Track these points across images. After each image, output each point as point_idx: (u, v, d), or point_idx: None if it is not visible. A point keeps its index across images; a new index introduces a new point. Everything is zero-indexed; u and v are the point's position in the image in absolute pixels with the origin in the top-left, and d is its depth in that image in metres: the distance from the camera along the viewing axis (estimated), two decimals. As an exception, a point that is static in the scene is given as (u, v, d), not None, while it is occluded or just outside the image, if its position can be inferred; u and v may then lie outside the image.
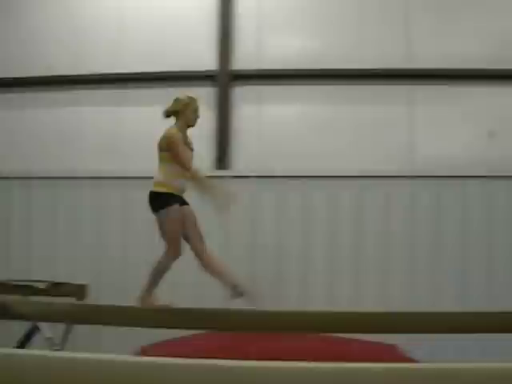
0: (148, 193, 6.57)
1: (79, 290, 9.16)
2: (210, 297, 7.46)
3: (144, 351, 8.24)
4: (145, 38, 10.62)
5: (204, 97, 10.26)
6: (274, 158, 10.06)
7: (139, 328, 7.00)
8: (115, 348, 8.78)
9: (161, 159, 6.64)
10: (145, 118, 10.35)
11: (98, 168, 10.28)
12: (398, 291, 9.51)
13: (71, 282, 9.17)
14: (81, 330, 8.44)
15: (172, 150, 6.54)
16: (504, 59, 10.05)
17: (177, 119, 6.75)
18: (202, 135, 10.14)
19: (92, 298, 9.13)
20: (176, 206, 6.51)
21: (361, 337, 7.76)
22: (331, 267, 9.75)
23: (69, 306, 7.15)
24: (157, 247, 6.46)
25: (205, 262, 6.65)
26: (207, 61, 10.50)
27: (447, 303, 9.18)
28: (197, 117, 6.82)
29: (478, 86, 10.23)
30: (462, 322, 6.30)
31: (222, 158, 10.19)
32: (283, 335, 7.68)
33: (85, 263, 10.00)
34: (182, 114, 6.72)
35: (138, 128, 10.37)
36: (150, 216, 6.52)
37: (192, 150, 6.83)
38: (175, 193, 6.55)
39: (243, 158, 10.24)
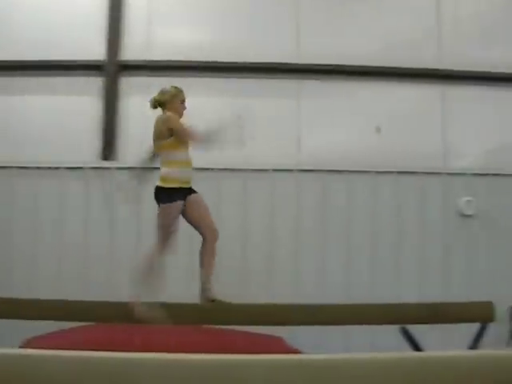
0: (154, 187, 6.63)
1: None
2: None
3: (28, 343, 8.08)
4: (33, 25, 10.29)
5: (91, 87, 10.18)
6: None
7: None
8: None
9: (162, 149, 6.68)
10: (33, 107, 10.15)
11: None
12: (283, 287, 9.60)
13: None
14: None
15: (175, 130, 6.60)
16: (390, 57, 10.28)
17: (163, 110, 6.79)
18: (88, 126, 10.05)
19: None
20: (179, 203, 6.52)
21: (248, 329, 7.80)
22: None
23: None
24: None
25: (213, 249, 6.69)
26: (96, 50, 10.29)
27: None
28: (184, 107, 6.87)
29: (364, 82, 10.43)
30: (346, 313, 6.41)
31: (109, 149, 10.05)
32: (168, 328, 7.64)
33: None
34: (170, 104, 6.78)
35: (26, 117, 10.12)
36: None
37: None
38: (181, 186, 6.53)
39: (130, 150, 10.11)
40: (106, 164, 9.91)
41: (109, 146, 10.06)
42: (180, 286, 9.51)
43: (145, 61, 10.32)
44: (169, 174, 6.56)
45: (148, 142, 9.65)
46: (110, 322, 7.12)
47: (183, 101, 6.88)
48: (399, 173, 10.05)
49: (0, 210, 9.78)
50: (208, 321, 6.63)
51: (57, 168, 9.85)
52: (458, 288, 9.69)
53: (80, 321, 7.21)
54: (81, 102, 10.23)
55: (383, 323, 6.53)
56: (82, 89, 10.28)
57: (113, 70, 10.27)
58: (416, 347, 6.63)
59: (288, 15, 10.46)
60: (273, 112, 10.15)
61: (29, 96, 10.24)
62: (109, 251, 9.69)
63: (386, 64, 10.33)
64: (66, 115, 10.12)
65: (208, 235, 6.63)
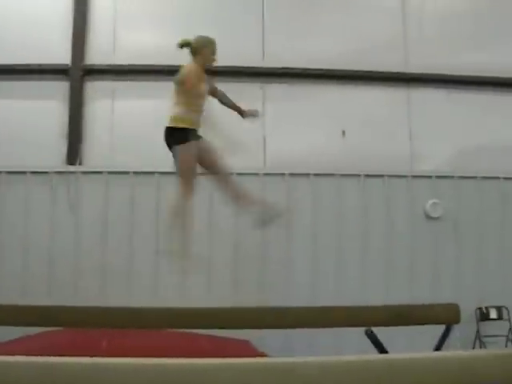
0: (164, 129, 6.61)
1: None
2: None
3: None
4: (-2, 28, 10.28)
5: (56, 91, 10.12)
6: (127, 154, 9.96)
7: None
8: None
9: (177, 94, 6.65)
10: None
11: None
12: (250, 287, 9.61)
13: None
14: None
15: (185, 83, 6.58)
16: (356, 61, 10.33)
17: (194, 57, 6.75)
18: (53, 130, 9.99)
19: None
20: (192, 142, 6.50)
21: (214, 332, 7.78)
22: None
23: None
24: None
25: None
26: (61, 54, 10.24)
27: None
28: (214, 59, 6.82)
29: (330, 85, 10.46)
30: (312, 316, 6.41)
31: (74, 153, 9.98)
32: (135, 332, 7.61)
33: None
34: (200, 52, 6.73)
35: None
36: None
37: (215, 88, 6.98)
38: (191, 127, 6.52)
39: (95, 154, 10.08)
40: (72, 168, 9.83)
41: (74, 151, 9.99)
42: (146, 291, 9.52)
43: (110, 65, 10.30)
44: (180, 114, 6.57)
45: (113, 145, 9.68)
46: (75, 326, 7.07)
47: (214, 52, 6.83)
48: (365, 176, 10.10)
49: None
50: (174, 325, 6.59)
51: (22, 172, 9.78)
52: (424, 290, 9.75)
53: (45, 326, 7.15)
54: (46, 107, 10.18)
55: (349, 326, 6.53)
56: (47, 93, 10.24)
57: (78, 75, 10.22)
58: (381, 349, 6.64)
59: (253, 18, 10.49)
60: (237, 115, 10.14)
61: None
62: (74, 255, 9.64)
63: (352, 67, 10.39)
64: (31, 119, 10.07)
65: (184, 188, 6.59)
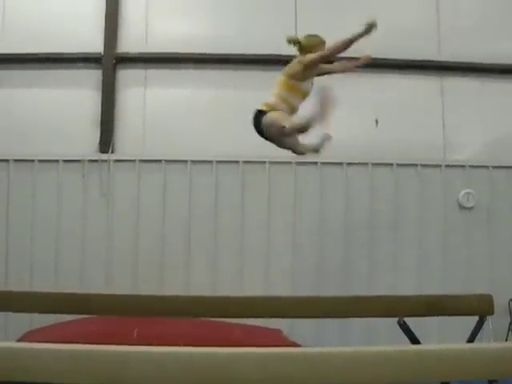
0: (255, 112, 6.61)
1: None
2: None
3: (25, 337, 8.10)
4: (30, 17, 10.27)
5: (89, 80, 10.17)
6: (159, 142, 9.99)
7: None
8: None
9: (282, 86, 6.64)
10: (31, 100, 10.13)
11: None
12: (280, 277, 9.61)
13: None
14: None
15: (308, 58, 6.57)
16: (389, 49, 10.24)
17: (301, 53, 6.74)
18: (86, 118, 10.03)
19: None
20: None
21: (245, 321, 7.79)
22: (215, 251, 9.75)
23: None
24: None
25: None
26: (94, 43, 10.24)
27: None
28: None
29: (363, 74, 10.38)
30: (344, 306, 6.38)
31: (107, 141, 10.01)
32: (166, 320, 7.64)
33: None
34: (310, 52, 6.68)
35: (24, 110, 10.11)
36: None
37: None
38: None
39: (128, 142, 10.11)
40: (104, 157, 9.87)
41: (107, 139, 10.02)
42: (178, 279, 9.54)
43: (142, 53, 10.29)
44: (275, 105, 6.55)
45: (146, 133, 9.71)
46: (107, 314, 7.10)
47: None
48: (398, 165, 10.04)
49: (-2, 202, 9.77)
50: (206, 313, 6.59)
51: (55, 161, 9.83)
52: (457, 281, 9.69)
53: (78, 313, 7.20)
54: (79, 95, 10.21)
55: (381, 316, 6.51)
56: (80, 81, 10.26)
57: (111, 63, 10.23)
58: (414, 340, 6.60)
59: (285, 6, 10.41)
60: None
61: (27, 89, 10.21)
62: (106, 243, 9.69)
63: (385, 56, 10.28)
64: (64, 108, 10.11)
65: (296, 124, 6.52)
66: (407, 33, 10.40)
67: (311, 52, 6.67)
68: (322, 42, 6.77)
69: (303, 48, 6.73)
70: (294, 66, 6.64)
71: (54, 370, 3.61)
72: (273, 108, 6.52)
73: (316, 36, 6.80)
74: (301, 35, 6.82)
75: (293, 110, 6.65)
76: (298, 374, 3.78)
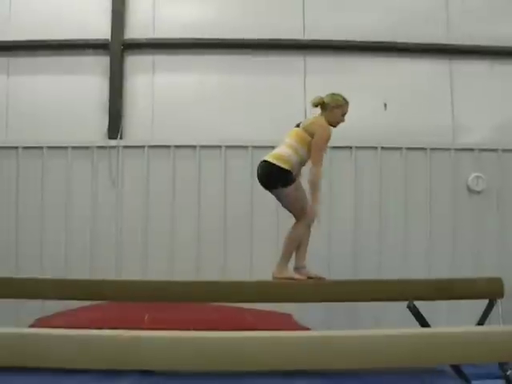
0: (264, 164, 6.48)
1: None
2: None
3: (37, 323, 8.14)
4: (38, 5, 10.28)
5: (97, 66, 10.17)
6: (168, 128, 10.00)
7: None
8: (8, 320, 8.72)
9: (297, 138, 6.53)
10: (39, 87, 10.15)
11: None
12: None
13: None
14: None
15: (317, 143, 6.46)
16: (398, 33, 10.23)
17: (323, 111, 6.64)
18: (94, 105, 10.04)
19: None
20: (295, 182, 6.45)
21: (256, 306, 7.81)
22: (225, 236, 9.77)
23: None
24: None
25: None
26: (101, 29, 10.23)
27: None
28: (342, 120, 6.71)
29: (371, 58, 10.37)
30: (354, 290, 6.40)
31: (115, 127, 10.02)
32: (178, 306, 7.67)
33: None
34: (331, 111, 6.61)
35: (32, 96, 10.13)
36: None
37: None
38: (292, 170, 6.43)
39: (136, 128, 10.12)
40: (113, 143, 9.89)
41: (115, 125, 10.03)
42: (188, 265, 9.57)
43: (150, 39, 10.28)
44: (290, 158, 6.43)
45: (154, 119, 9.72)
46: (118, 300, 7.14)
47: (344, 114, 6.69)
48: (407, 149, 10.02)
49: (6, 189, 9.79)
50: (217, 298, 6.63)
51: (64, 148, 9.86)
52: (466, 264, 9.69)
53: (89, 299, 7.24)
54: (86, 82, 10.23)
55: (390, 299, 6.53)
56: (87, 68, 10.27)
57: (118, 49, 10.22)
58: (423, 323, 6.62)
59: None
60: (279, 89, 10.12)
61: (35, 76, 10.22)
62: (115, 229, 9.73)
63: (393, 39, 10.27)
64: (73, 95, 10.13)
65: (307, 217, 6.48)
66: (416, 16, 10.37)
67: (334, 111, 6.61)
68: (345, 103, 6.67)
69: (326, 105, 6.63)
70: (314, 126, 6.54)
71: (66, 356, 3.66)
72: (287, 161, 6.43)
73: (340, 96, 6.67)
74: (325, 94, 6.72)
75: (302, 163, 6.60)
76: (309, 357, 3.81)
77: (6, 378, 6.16)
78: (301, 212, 6.46)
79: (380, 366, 4.06)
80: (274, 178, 6.43)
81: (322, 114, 6.65)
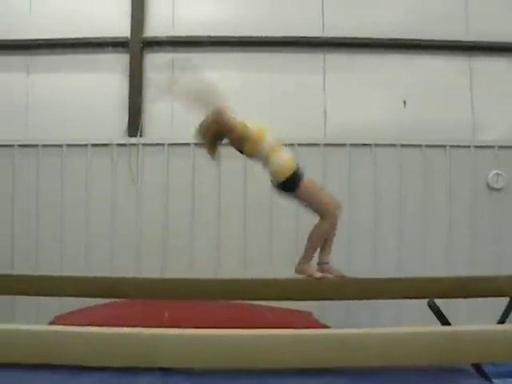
0: (275, 184, 6.44)
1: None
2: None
3: (56, 320, 8.18)
4: (57, 2, 10.32)
5: (116, 64, 10.19)
6: (188, 126, 9.98)
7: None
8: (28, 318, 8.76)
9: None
10: (56, 85, 10.18)
11: (7, 137, 10.00)
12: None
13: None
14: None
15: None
16: (416, 30, 10.20)
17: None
18: (114, 103, 10.07)
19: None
20: (306, 178, 6.35)
21: (276, 304, 7.81)
22: (244, 233, 9.77)
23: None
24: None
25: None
26: (121, 27, 10.25)
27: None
28: None
29: (390, 55, 10.35)
30: (374, 288, 6.39)
31: (135, 125, 10.05)
32: (197, 303, 7.67)
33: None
34: None
35: (51, 94, 10.17)
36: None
37: None
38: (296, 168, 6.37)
39: (156, 126, 10.14)
40: (133, 140, 9.92)
41: (135, 123, 10.06)
42: (207, 262, 9.58)
43: (169, 36, 10.29)
44: (286, 165, 6.37)
45: (174, 117, 9.72)
46: (138, 298, 7.15)
47: None
48: (427, 146, 9.99)
49: (27, 188, 9.85)
50: (237, 296, 6.63)
51: (83, 145, 9.89)
52: (486, 262, 9.65)
53: (108, 297, 7.27)
54: (106, 79, 10.25)
55: (411, 297, 6.50)
56: (107, 66, 10.29)
57: (138, 47, 10.24)
58: (444, 321, 6.60)
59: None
60: (298, 87, 10.10)
61: (54, 74, 10.25)
62: (135, 227, 9.75)
63: (412, 36, 10.24)
64: (92, 92, 10.16)
65: (329, 215, 6.37)
66: (435, 13, 10.32)
67: None
68: None
69: None
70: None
71: (85, 353, 3.67)
72: (288, 167, 6.34)
73: None
74: None
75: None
76: (330, 356, 3.80)
77: (25, 375, 6.20)
78: (320, 207, 6.38)
79: (400, 365, 4.05)
80: (285, 190, 6.41)
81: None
